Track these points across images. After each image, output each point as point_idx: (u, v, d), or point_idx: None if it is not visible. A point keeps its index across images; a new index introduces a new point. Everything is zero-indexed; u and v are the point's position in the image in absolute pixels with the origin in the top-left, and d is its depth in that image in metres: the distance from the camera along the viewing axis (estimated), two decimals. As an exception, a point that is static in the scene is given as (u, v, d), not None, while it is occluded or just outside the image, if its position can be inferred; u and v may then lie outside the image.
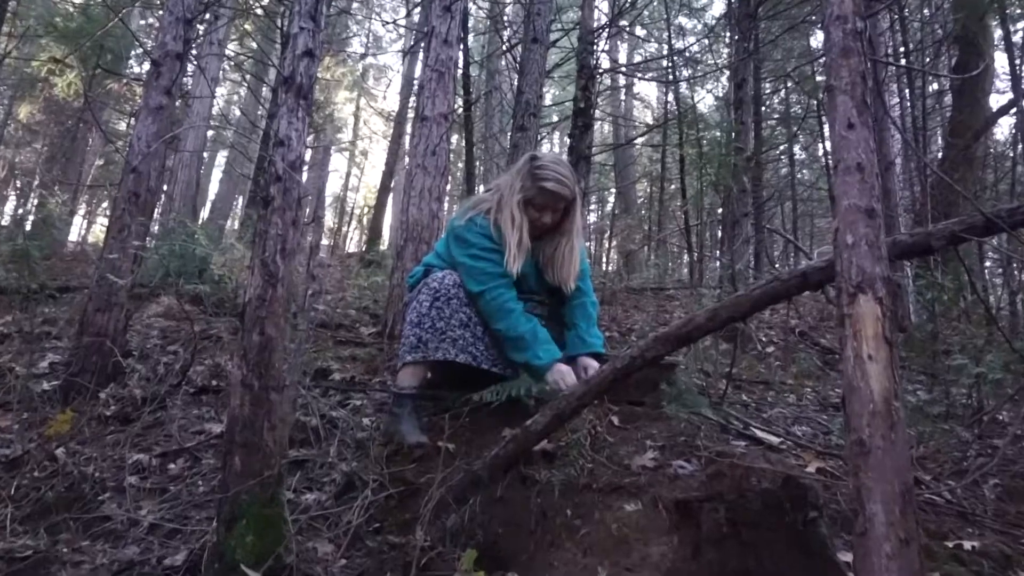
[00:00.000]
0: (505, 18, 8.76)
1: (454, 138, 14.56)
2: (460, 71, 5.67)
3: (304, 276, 1.77)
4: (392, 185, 14.86)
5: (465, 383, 2.14)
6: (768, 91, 9.41)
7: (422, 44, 4.34)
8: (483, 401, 1.82)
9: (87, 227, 15.97)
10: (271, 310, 1.49)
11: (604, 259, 11.82)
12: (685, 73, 8.58)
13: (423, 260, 2.30)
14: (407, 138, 12.02)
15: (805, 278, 1.32)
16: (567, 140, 4.52)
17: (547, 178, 1.99)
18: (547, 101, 13.92)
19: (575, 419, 1.65)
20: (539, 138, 5.73)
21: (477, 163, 10.59)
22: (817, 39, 8.78)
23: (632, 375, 1.48)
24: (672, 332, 1.41)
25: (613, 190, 13.82)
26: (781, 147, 9.58)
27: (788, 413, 2.51)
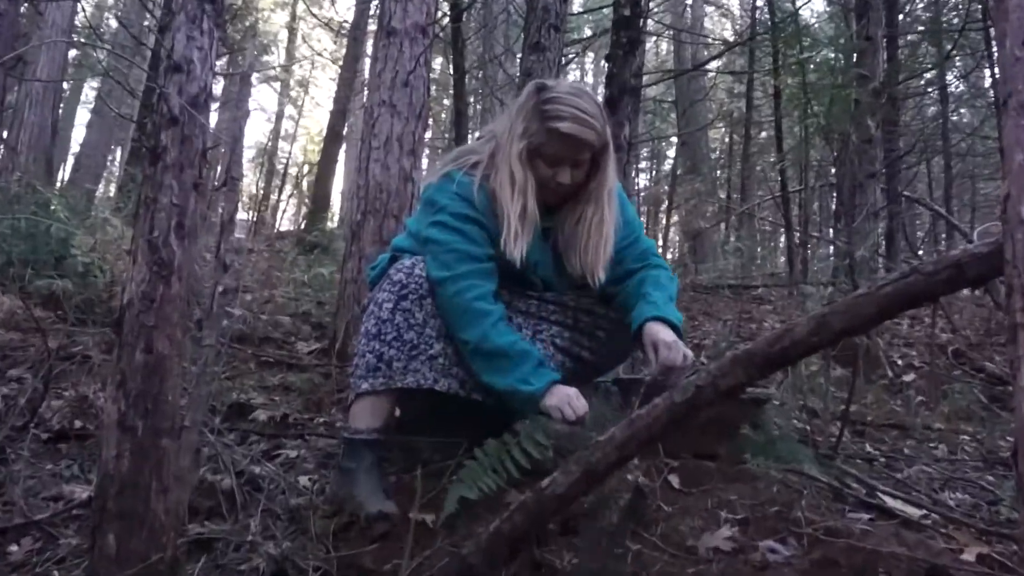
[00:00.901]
0: None
1: (436, 62, 14.57)
2: (445, -39, 5.66)
3: (213, 266, 1.77)
4: (345, 132, 14.88)
5: (450, 423, 2.12)
6: (908, -10, 9.34)
7: (388, -80, 4.35)
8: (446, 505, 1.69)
9: None
10: (162, 316, 1.51)
11: (661, 241, 11.83)
12: (783, -37, 8.54)
13: (391, 243, 2.29)
14: (367, 62, 12.01)
15: (960, 270, 1.28)
16: (605, 65, 4.48)
17: (561, 115, 1.95)
18: (575, 6, 13.91)
19: (613, 478, 1.62)
20: (563, 62, 5.73)
21: (471, 99, 10.57)
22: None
23: (699, 413, 1.47)
24: (759, 350, 1.39)
25: (674, 139, 13.79)
26: (927, 75, 9.49)
27: (935, 472, 2.49)
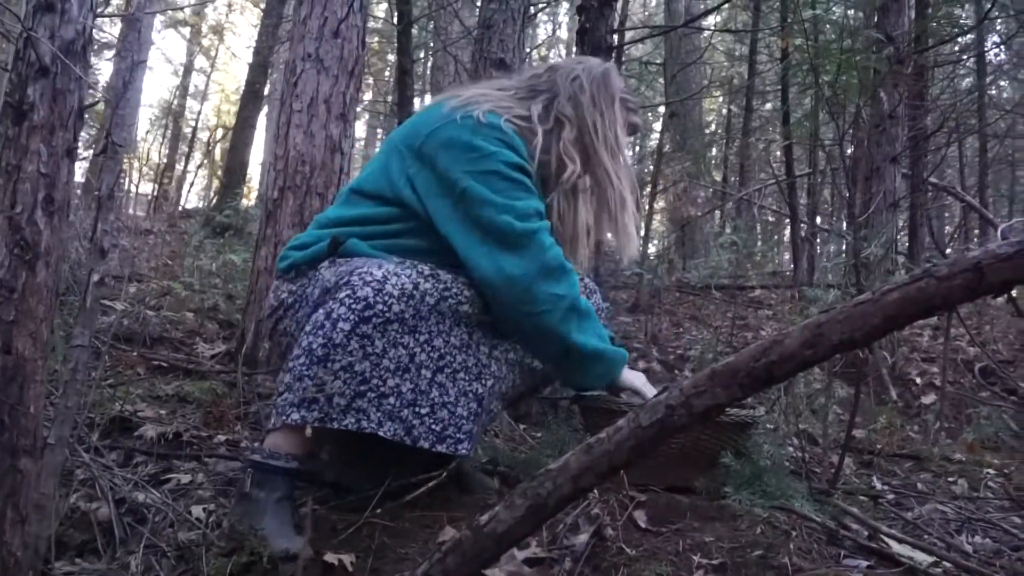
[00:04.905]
0: None
1: (379, 8, 14.35)
2: None
3: (89, 249, 1.74)
4: (267, 91, 14.67)
5: (380, 459, 2.19)
6: (940, -62, 9.37)
7: None
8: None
9: None
10: (24, 309, 1.48)
11: (643, 231, 11.80)
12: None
13: (316, 217, 2.30)
14: (292, 6, 11.79)
15: (980, 274, 1.28)
16: (577, 18, 4.44)
17: (633, 108, 2.36)
18: (547, -56, 13.85)
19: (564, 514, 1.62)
20: (529, 14, 5.71)
21: (421, 57, 10.41)
22: None
23: (671, 438, 1.49)
24: (742, 364, 1.37)
25: (661, 109, 13.76)
26: (961, 39, 9.56)
27: (951, 511, 2.48)
